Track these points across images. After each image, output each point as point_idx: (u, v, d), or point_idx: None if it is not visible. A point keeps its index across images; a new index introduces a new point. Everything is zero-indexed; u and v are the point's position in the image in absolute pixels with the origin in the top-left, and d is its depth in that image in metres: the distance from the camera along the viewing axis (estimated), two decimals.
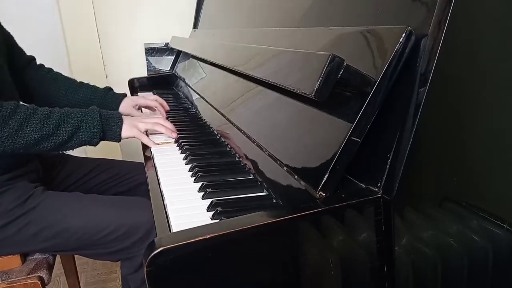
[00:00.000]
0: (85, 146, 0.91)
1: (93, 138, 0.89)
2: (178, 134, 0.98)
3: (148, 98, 1.22)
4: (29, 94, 1.12)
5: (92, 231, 0.86)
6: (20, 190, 0.89)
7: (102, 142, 0.91)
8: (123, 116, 0.94)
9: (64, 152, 1.15)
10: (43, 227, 0.86)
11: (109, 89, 1.22)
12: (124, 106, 1.18)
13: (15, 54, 1.09)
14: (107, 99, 1.18)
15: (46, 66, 1.22)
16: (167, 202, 0.66)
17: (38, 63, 1.20)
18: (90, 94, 1.17)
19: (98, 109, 0.92)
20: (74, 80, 1.20)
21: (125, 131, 0.93)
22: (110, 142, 0.93)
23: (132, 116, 1.08)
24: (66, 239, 0.87)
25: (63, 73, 1.23)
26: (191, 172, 0.77)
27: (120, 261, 0.93)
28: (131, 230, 0.86)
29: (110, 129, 0.91)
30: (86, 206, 0.90)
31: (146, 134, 0.97)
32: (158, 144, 0.97)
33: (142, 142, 0.97)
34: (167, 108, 1.20)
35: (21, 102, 0.87)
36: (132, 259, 0.89)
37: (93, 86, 1.21)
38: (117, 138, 0.93)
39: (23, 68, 1.13)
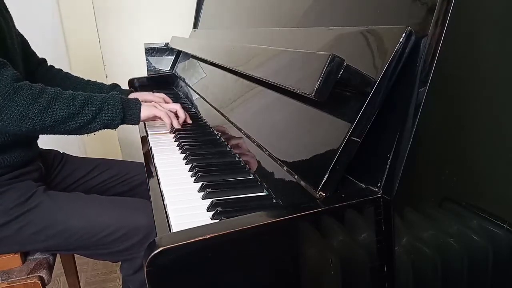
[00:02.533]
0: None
1: (114, 119, 0.92)
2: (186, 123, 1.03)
3: (154, 94, 1.23)
4: None
5: (92, 232, 0.86)
6: (22, 189, 0.89)
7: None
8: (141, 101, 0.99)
9: (66, 152, 1.16)
10: (44, 226, 0.86)
11: (115, 85, 1.25)
12: None
13: (29, 57, 1.13)
14: None
15: None
16: (167, 202, 0.66)
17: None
18: (97, 90, 1.20)
19: (118, 93, 0.96)
20: (82, 78, 1.24)
21: (144, 111, 0.97)
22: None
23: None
24: (66, 238, 0.87)
25: None
26: (191, 172, 0.77)
27: (120, 262, 0.94)
28: (131, 232, 0.86)
29: (130, 111, 0.95)
30: (86, 207, 0.90)
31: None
32: (156, 134, 0.99)
33: (142, 141, 0.97)
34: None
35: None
36: (132, 260, 0.89)
37: (100, 83, 1.25)
38: (137, 119, 0.96)
39: (35, 69, 1.17)
